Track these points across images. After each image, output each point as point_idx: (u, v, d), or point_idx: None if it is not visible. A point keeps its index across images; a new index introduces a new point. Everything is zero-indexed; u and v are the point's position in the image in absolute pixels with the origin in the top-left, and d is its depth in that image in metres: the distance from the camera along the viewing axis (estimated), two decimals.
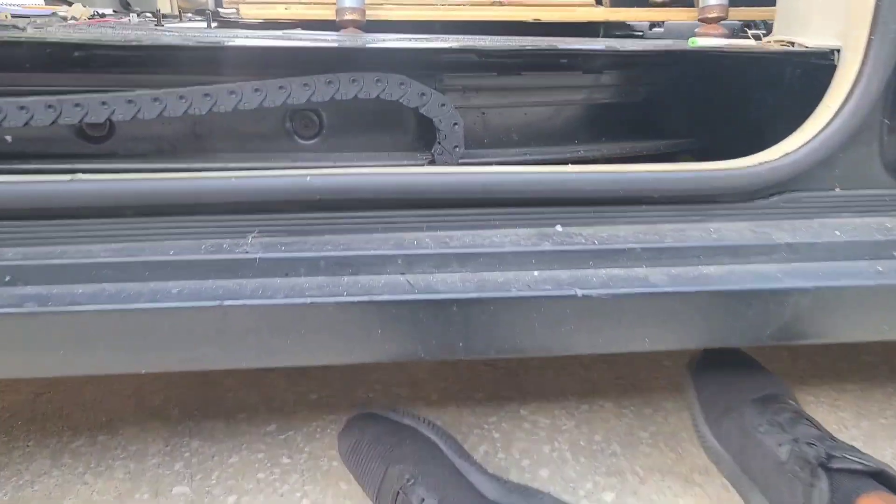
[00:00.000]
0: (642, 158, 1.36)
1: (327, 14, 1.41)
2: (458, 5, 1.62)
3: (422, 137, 1.16)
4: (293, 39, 1.09)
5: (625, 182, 1.04)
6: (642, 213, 1.09)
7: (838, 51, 1.12)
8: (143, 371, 0.93)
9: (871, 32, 1.04)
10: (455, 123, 1.07)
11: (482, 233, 1.04)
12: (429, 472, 1.08)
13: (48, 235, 0.94)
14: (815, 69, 1.18)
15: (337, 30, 1.38)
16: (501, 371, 1.61)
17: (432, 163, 1.10)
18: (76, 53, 1.01)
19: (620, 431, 1.41)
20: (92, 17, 1.66)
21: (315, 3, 1.49)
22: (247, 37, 1.10)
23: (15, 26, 1.04)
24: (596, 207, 1.07)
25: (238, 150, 1.11)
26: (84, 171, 0.90)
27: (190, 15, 1.93)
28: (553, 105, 1.22)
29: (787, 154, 1.08)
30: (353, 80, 1.00)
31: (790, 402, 1.19)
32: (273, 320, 0.90)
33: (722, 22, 1.45)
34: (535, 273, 1.01)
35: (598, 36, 1.59)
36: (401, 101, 1.02)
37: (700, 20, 1.46)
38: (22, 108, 0.91)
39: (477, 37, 1.28)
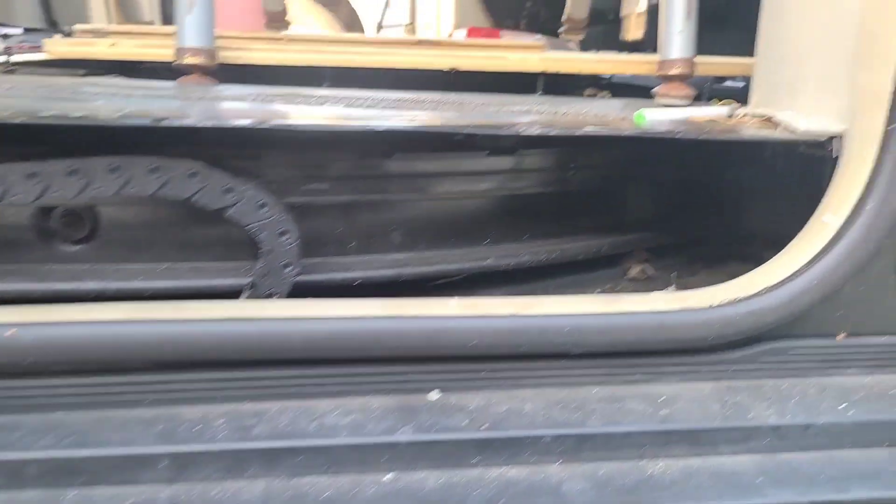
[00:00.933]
0: (578, 264, 1.02)
1: (164, 54, 1.06)
2: (358, 44, 1.29)
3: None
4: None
5: (533, 331, 0.70)
6: (558, 371, 0.75)
7: (840, 138, 0.80)
8: None
9: (892, 118, 0.72)
10: (283, 233, 0.72)
11: (308, 406, 0.69)
12: None
13: None
14: (808, 160, 0.86)
15: (176, 77, 1.04)
16: None
17: (254, 287, 0.74)
18: None
19: None
20: None
21: (151, 36, 1.14)
22: None
23: None
24: (491, 364, 0.73)
25: None
26: None
27: None
28: (450, 197, 0.88)
29: (769, 289, 0.74)
30: (113, 169, 0.65)
31: None
32: None
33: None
34: (388, 477, 0.66)
35: (534, 90, 1.26)
36: (193, 201, 0.67)
37: (660, 76, 1.14)
38: None
39: (361, 94, 0.94)
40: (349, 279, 0.83)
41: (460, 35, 3.07)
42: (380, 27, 4.67)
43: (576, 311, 0.71)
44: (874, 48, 0.73)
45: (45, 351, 0.60)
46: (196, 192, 0.68)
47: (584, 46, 2.51)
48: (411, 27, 4.55)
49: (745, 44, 1.17)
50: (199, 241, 0.78)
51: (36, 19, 2.48)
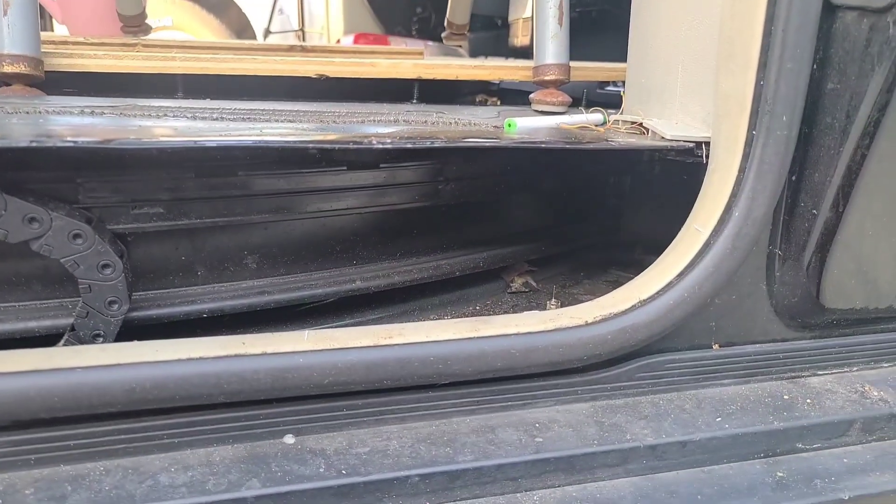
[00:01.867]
0: (459, 280, 0.98)
1: None
2: (222, 50, 1.20)
3: None
4: None
5: (394, 363, 0.65)
6: (425, 402, 0.69)
7: (706, 144, 0.79)
8: None
9: (753, 124, 0.71)
10: (106, 266, 0.63)
11: (138, 463, 0.60)
12: None
13: None
14: (682, 165, 0.86)
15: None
16: None
17: (74, 330, 0.65)
18: None
19: None
20: None
21: None
22: None
23: None
24: (351, 401, 0.67)
25: None
26: None
27: None
28: (309, 216, 0.81)
29: (642, 303, 0.72)
30: None
31: None
32: None
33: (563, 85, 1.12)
34: None
35: (412, 98, 1.21)
36: None
37: (536, 82, 1.12)
38: None
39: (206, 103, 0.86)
40: (195, 312, 0.74)
41: (348, 41, 3.01)
42: (267, 33, 4.52)
43: (440, 338, 0.66)
44: (734, 53, 0.72)
45: None
46: None
47: (475, 52, 2.50)
48: (301, 33, 4.44)
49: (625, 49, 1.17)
50: (10, 277, 0.68)
51: None
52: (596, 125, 0.93)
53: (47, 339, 0.69)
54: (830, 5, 0.69)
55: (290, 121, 0.81)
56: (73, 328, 0.65)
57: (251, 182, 0.76)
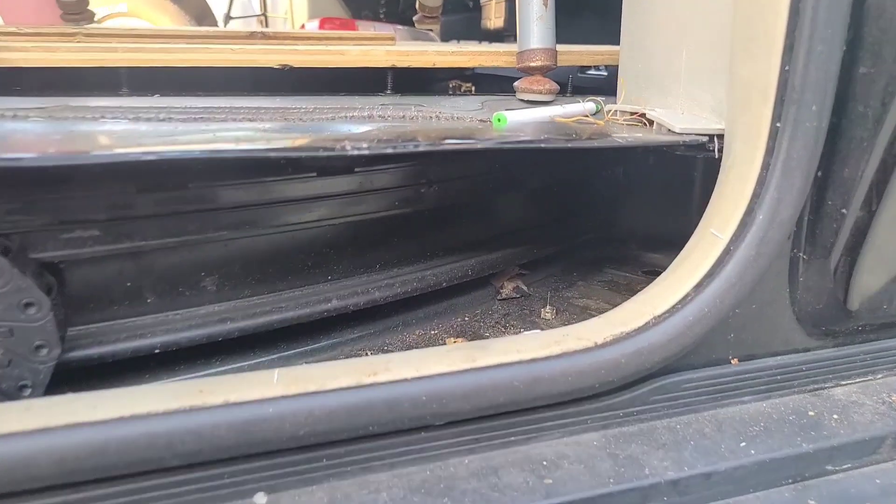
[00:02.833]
0: (445, 289, 0.89)
1: None
2: (174, 38, 1.08)
3: None
4: None
5: (380, 405, 0.56)
6: (417, 444, 0.61)
7: (720, 137, 0.71)
8: None
9: (778, 114, 0.63)
10: (29, 304, 0.53)
11: None
12: None
13: None
14: (677, 157, 0.77)
15: None
16: None
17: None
18: None
19: None
20: None
21: None
22: None
23: None
24: (332, 449, 0.58)
25: None
26: None
27: None
28: (276, 230, 0.72)
29: (657, 319, 0.64)
30: None
31: None
32: None
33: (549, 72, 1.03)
34: None
35: (385, 87, 1.11)
36: None
37: (520, 69, 1.03)
38: None
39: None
40: (145, 347, 0.65)
41: (313, 26, 2.87)
42: (228, 19, 4.34)
43: (432, 372, 0.58)
44: (754, 35, 0.64)
45: None
46: None
47: (446, 36, 2.40)
48: (263, 19, 4.27)
49: (603, 30, 1.09)
50: None
51: None
52: (590, 116, 0.85)
53: None
54: None
55: (250, 120, 0.71)
56: None
57: (206, 194, 0.66)
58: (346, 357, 0.80)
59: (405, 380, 0.57)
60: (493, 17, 2.16)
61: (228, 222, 0.68)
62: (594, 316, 1.00)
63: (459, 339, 0.88)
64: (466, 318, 0.96)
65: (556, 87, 1.01)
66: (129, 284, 0.66)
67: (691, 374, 0.69)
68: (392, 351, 0.85)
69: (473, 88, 1.29)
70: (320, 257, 0.78)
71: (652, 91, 0.84)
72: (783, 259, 0.70)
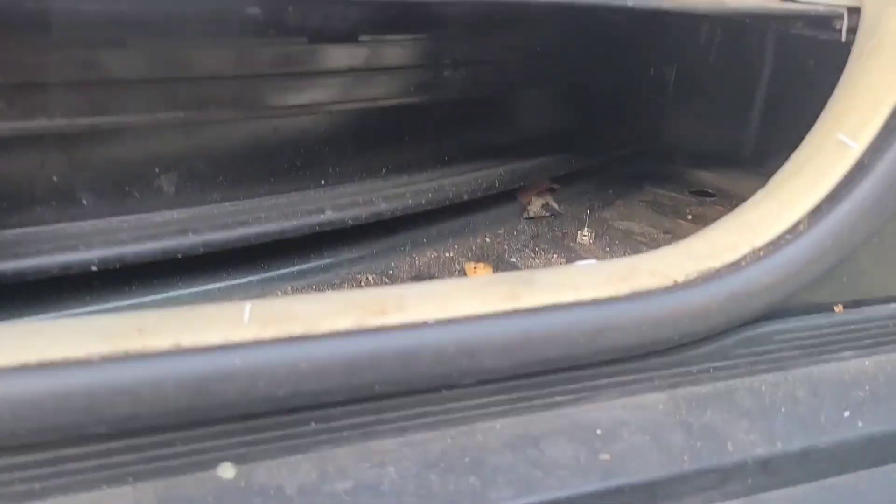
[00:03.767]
0: (463, 202, 0.73)
1: None
2: None
3: None
4: None
5: (391, 359, 0.41)
6: (438, 405, 0.47)
7: (853, 12, 0.54)
8: None
9: None
10: None
11: None
12: None
13: None
14: (741, 55, 0.61)
15: None
16: None
17: None
18: None
19: None
20: None
21: None
22: None
23: None
24: (322, 410, 0.44)
25: None
26: None
27: None
28: (258, 116, 0.55)
29: (757, 252, 0.49)
30: None
31: None
32: None
33: None
34: None
35: None
36: None
37: None
38: None
39: None
40: (79, 263, 0.49)
41: None
42: None
43: (462, 314, 0.43)
44: None
45: None
46: None
47: None
48: None
49: None
50: None
51: None
52: None
53: None
54: None
55: None
56: None
57: (157, 58, 0.49)
58: (342, 283, 0.66)
59: (426, 323, 0.42)
60: None
61: (190, 100, 0.52)
62: (640, 243, 0.86)
63: (481, 265, 0.73)
64: (487, 240, 0.81)
65: None
66: (55, 179, 0.50)
67: (785, 324, 0.55)
68: (398, 276, 0.70)
69: None
70: (312, 156, 0.62)
71: None
72: None
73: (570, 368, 0.48)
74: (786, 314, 0.56)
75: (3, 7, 0.43)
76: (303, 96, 0.56)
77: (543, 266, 0.73)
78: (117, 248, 0.51)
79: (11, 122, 0.44)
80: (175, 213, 0.55)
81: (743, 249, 0.50)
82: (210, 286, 0.60)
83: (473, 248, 0.78)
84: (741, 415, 0.52)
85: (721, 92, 1.04)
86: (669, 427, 0.50)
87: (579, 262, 0.54)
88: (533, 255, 0.78)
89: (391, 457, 0.46)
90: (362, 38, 0.56)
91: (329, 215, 0.60)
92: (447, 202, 0.69)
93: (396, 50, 0.60)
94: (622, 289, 0.47)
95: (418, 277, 0.68)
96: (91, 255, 0.50)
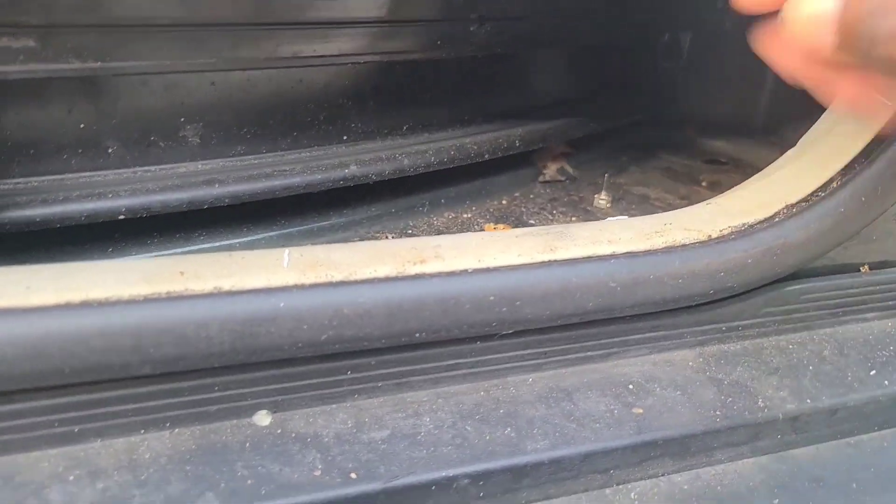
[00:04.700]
0: (479, 166, 0.73)
1: None
2: None
3: None
4: None
5: (433, 306, 0.42)
6: (471, 357, 0.47)
7: None
8: None
9: None
10: None
11: (11, 464, 0.37)
12: None
13: None
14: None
15: None
16: None
17: None
18: None
19: None
20: None
21: None
22: None
23: None
24: (358, 359, 0.44)
25: None
26: None
27: None
28: (281, 66, 0.55)
29: (791, 209, 0.50)
30: None
31: None
32: None
33: None
34: None
35: None
36: None
37: None
38: None
39: None
40: (105, 211, 0.49)
41: None
42: None
43: (500, 264, 0.43)
44: None
45: None
46: None
47: None
48: None
49: None
50: None
51: None
52: None
53: None
54: None
55: None
56: None
57: (184, 3, 0.48)
58: (362, 240, 0.66)
59: (465, 271, 0.42)
60: None
61: (217, 50, 0.51)
62: (657, 207, 0.86)
63: (501, 226, 0.73)
64: (504, 202, 0.81)
65: None
66: (81, 126, 0.50)
67: (814, 283, 0.55)
68: (418, 235, 0.70)
69: None
70: (335, 109, 0.62)
71: None
72: None
73: (605, 322, 0.49)
74: (813, 274, 0.56)
75: None
76: (330, 46, 0.55)
77: None
78: (144, 197, 0.50)
79: (41, 64, 0.44)
80: (200, 165, 0.55)
81: (776, 206, 0.50)
82: (230, 241, 0.60)
83: (491, 209, 0.78)
84: (770, 372, 0.53)
85: (735, 60, 1.04)
86: (700, 384, 0.51)
87: (611, 219, 0.54)
88: (551, 217, 0.78)
89: (426, 407, 0.46)
90: None
91: (353, 170, 0.60)
92: (469, 160, 0.68)
93: (424, 1, 0.59)
94: (657, 243, 0.48)
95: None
96: (118, 203, 0.49)
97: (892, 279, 0.59)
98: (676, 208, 0.54)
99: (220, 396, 0.42)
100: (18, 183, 0.49)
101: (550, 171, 0.88)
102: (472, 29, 0.63)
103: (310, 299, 0.39)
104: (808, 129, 0.55)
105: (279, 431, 0.43)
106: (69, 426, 0.39)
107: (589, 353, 0.51)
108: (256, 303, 0.38)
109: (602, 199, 0.82)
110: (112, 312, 0.35)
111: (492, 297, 0.42)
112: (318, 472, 0.40)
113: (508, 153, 0.73)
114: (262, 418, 0.44)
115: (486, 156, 0.70)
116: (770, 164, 0.56)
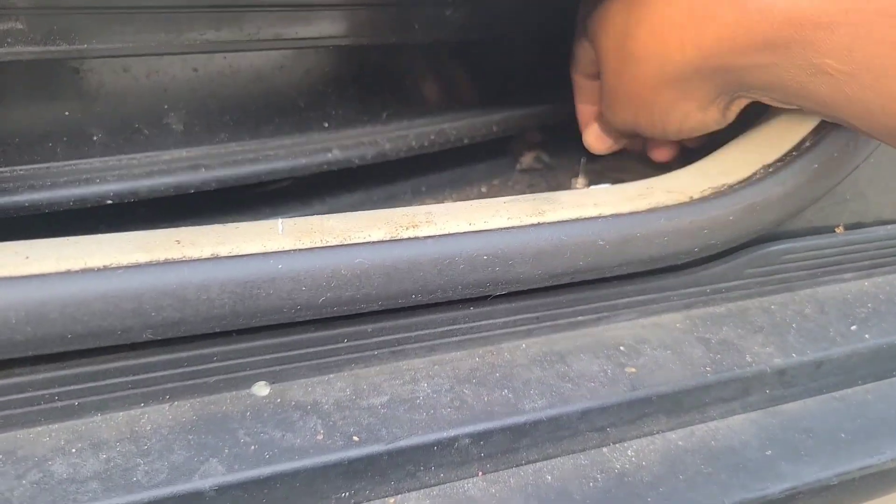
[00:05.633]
0: (456, 154, 0.75)
1: None
2: None
3: None
4: None
5: (426, 265, 0.43)
6: (464, 323, 0.49)
7: None
8: None
9: None
10: None
11: (14, 440, 0.38)
12: None
13: None
14: None
15: None
16: None
17: None
18: None
19: None
20: None
21: None
22: None
23: None
24: (354, 326, 0.45)
25: None
26: None
27: None
28: (262, 48, 0.56)
29: (767, 168, 0.52)
30: None
31: None
32: None
33: None
34: None
35: None
36: None
37: None
38: None
39: None
40: (92, 196, 0.50)
41: None
42: None
43: (491, 226, 0.45)
44: None
45: None
46: None
47: None
48: None
49: None
50: None
51: None
52: None
53: None
54: None
55: None
56: None
57: None
58: None
59: (457, 234, 0.44)
60: None
61: (199, 33, 0.52)
62: None
63: None
64: (484, 189, 0.83)
65: None
66: (66, 114, 0.50)
67: (793, 243, 0.58)
68: None
69: None
70: (317, 97, 0.63)
71: None
72: None
73: (593, 283, 0.51)
74: (792, 234, 0.59)
75: None
76: (310, 29, 0.56)
77: None
78: (131, 182, 0.51)
79: (28, 47, 0.44)
80: (185, 152, 0.55)
81: (754, 166, 0.52)
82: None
83: (471, 196, 0.80)
84: (755, 330, 0.55)
85: None
86: (688, 343, 0.53)
87: (594, 186, 0.56)
88: (541, 193, 0.80)
89: (422, 373, 0.47)
90: None
91: (336, 154, 0.61)
92: (448, 145, 0.70)
93: None
94: (641, 205, 0.49)
95: None
96: (106, 188, 0.50)
97: (866, 238, 0.61)
98: None
99: (218, 367, 0.43)
100: (3, 172, 0.49)
101: (527, 159, 0.90)
102: (447, 13, 0.64)
103: (307, 262, 0.40)
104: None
105: (279, 401, 0.44)
106: (69, 400, 0.40)
107: (580, 318, 0.52)
108: (255, 266, 0.39)
109: (579, 184, 0.84)
110: (112, 277, 0.36)
111: (485, 257, 0.43)
112: (320, 437, 0.41)
113: (487, 138, 0.75)
114: (261, 389, 0.44)
115: (465, 140, 0.72)
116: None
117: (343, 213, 0.46)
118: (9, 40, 0.44)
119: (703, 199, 0.50)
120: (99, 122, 0.52)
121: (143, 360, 0.40)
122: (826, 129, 0.52)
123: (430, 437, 0.42)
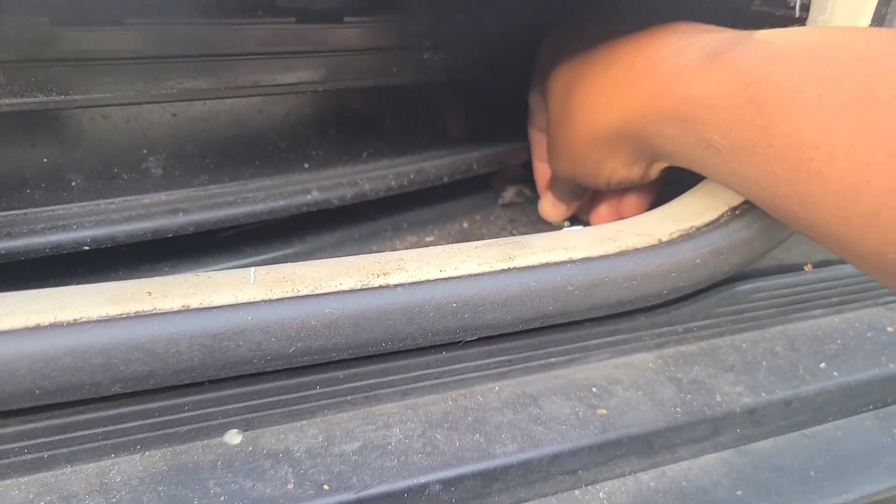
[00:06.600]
0: (438, 191, 0.75)
1: None
2: None
3: None
4: None
5: (396, 314, 0.43)
6: (437, 367, 0.49)
7: None
8: None
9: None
10: None
11: None
12: None
13: None
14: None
15: None
16: None
17: None
18: None
19: None
20: None
21: None
22: None
23: None
24: (326, 374, 0.45)
25: None
26: None
27: None
28: (244, 94, 0.56)
29: (733, 211, 0.53)
30: None
31: None
32: None
33: None
34: None
35: None
36: None
37: None
38: None
39: None
40: (70, 242, 0.50)
41: None
42: None
43: (461, 273, 0.45)
44: None
45: None
46: None
47: None
48: None
49: None
50: None
51: None
52: None
53: None
54: None
55: None
56: None
57: (146, 37, 0.50)
58: None
59: (428, 281, 0.44)
60: None
61: (179, 81, 0.52)
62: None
63: None
64: (465, 225, 0.83)
65: None
66: (44, 160, 0.51)
67: (762, 282, 0.58)
68: None
69: None
70: (295, 139, 0.63)
71: None
72: None
73: (566, 325, 0.51)
74: (761, 274, 0.59)
75: None
76: (290, 75, 0.57)
77: None
78: (109, 228, 0.51)
79: (6, 99, 0.45)
80: (164, 196, 0.56)
81: (720, 209, 0.53)
82: (196, 271, 0.61)
83: (453, 232, 0.80)
84: (726, 369, 0.55)
85: None
86: (660, 384, 0.53)
87: (566, 228, 0.56)
88: (512, 237, 0.80)
89: (395, 419, 0.47)
90: (347, 19, 0.58)
91: (315, 195, 0.61)
92: (428, 183, 0.70)
93: (379, 31, 0.62)
94: (611, 248, 0.50)
95: None
96: (83, 234, 0.50)
97: (834, 276, 0.62)
98: None
99: (190, 417, 0.42)
100: None
101: (509, 193, 0.91)
102: (426, 56, 0.65)
103: (277, 312, 0.40)
104: None
105: (250, 449, 0.44)
106: (38, 452, 0.39)
107: (552, 360, 0.53)
108: (225, 317, 0.39)
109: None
110: (81, 332, 0.36)
111: (454, 304, 0.43)
112: (290, 486, 0.41)
113: (467, 175, 0.76)
114: (233, 437, 0.44)
115: (445, 178, 0.72)
116: None
117: (316, 261, 0.46)
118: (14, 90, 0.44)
119: (671, 242, 0.51)
120: (78, 167, 0.53)
121: (113, 412, 0.40)
122: None
123: (400, 484, 0.42)
